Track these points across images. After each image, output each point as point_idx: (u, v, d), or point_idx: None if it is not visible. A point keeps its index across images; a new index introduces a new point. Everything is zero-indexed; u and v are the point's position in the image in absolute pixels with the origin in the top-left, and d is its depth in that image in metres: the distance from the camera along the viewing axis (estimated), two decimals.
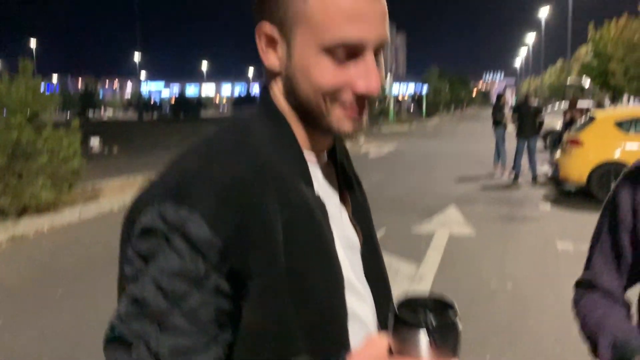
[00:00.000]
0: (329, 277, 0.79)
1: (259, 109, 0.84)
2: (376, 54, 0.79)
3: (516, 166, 11.29)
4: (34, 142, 8.08)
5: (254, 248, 0.72)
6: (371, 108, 0.82)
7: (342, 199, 0.90)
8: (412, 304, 0.67)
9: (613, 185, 1.25)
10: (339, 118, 0.79)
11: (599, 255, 1.21)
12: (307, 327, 0.76)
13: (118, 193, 9.70)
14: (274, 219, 0.73)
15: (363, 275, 0.90)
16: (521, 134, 11.38)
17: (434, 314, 0.65)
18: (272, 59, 0.81)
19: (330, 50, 0.76)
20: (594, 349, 1.11)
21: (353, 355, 0.72)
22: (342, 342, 0.80)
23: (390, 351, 0.66)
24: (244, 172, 0.74)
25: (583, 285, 1.24)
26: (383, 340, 0.68)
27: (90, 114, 69.20)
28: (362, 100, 0.79)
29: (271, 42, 0.80)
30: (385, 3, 0.80)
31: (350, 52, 0.76)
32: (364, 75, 0.77)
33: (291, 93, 0.81)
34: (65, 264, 5.93)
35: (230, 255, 0.70)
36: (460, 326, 0.65)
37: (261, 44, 0.81)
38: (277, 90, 0.83)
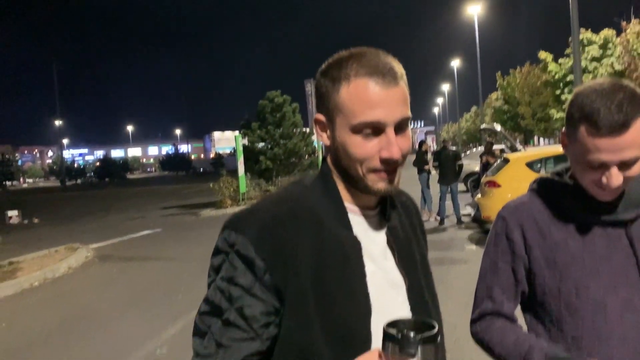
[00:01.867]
0: (354, 304, 0.99)
1: (319, 172, 1.10)
2: (401, 126, 1.00)
3: (441, 210, 11.71)
4: None
5: (286, 268, 0.95)
6: (399, 171, 1.03)
7: (390, 247, 1.09)
8: (399, 324, 0.82)
9: (496, 221, 1.42)
10: (373, 180, 1.01)
11: (498, 287, 1.38)
12: (331, 345, 0.96)
13: (39, 267, 9.15)
14: (302, 249, 0.97)
15: (410, 313, 1.07)
16: (443, 179, 11.91)
17: (415, 331, 0.79)
18: (324, 138, 1.07)
19: (358, 130, 0.98)
20: None
21: None
22: None
23: None
24: (281, 213, 1.00)
25: (488, 316, 1.39)
26: (375, 354, 0.85)
27: (9, 183, 65.55)
28: (388, 165, 1.00)
29: (323, 127, 1.06)
30: (404, 86, 1.01)
31: (375, 130, 0.98)
32: (386, 146, 0.98)
33: (337, 161, 1.06)
34: None
35: (270, 271, 0.95)
36: (439, 342, 0.81)
37: (317, 129, 1.08)
38: (330, 160, 1.09)
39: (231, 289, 0.96)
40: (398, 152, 0.98)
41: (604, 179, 1.19)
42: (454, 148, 12.76)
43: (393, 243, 1.10)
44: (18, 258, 10.03)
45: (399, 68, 1.01)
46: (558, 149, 11.16)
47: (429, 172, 12.64)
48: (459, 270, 7.44)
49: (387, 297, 1.04)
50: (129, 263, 9.85)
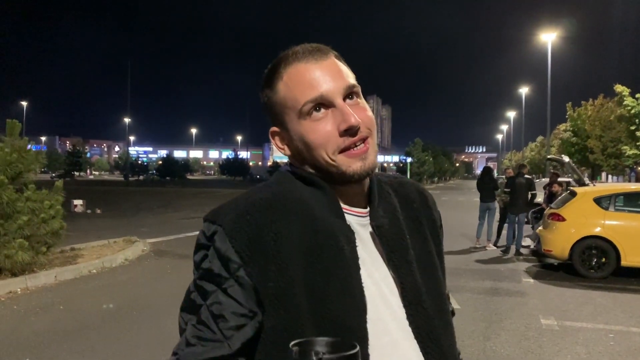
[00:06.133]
0: (349, 299, 0.88)
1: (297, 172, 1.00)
2: (351, 97, 0.95)
3: (507, 239, 11.29)
4: (15, 202, 7.96)
5: (265, 259, 0.86)
6: (371, 145, 0.95)
7: (378, 249, 0.99)
8: (310, 344, 0.69)
9: None
10: (346, 163, 0.93)
11: None
12: None
13: (97, 256, 9.51)
14: (287, 237, 0.87)
15: (405, 320, 0.95)
16: (513, 207, 11.27)
17: (329, 353, 0.67)
18: (286, 150, 1.00)
19: (306, 113, 0.93)
20: None
21: None
22: None
23: None
24: (262, 200, 0.91)
25: None
26: None
27: (76, 174, 68.79)
28: (352, 135, 0.92)
29: (281, 138, 1.01)
30: (337, 60, 0.97)
31: (325, 106, 0.93)
32: (341, 118, 0.92)
33: (305, 163, 0.97)
34: (33, 332, 5.72)
35: (245, 265, 0.86)
36: None
37: (276, 142, 1.02)
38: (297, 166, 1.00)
39: (205, 285, 0.88)
40: (356, 118, 0.92)
41: None
42: (528, 176, 11.76)
43: (379, 243, 0.98)
44: (79, 245, 10.45)
45: (327, 49, 0.98)
46: (629, 186, 10.60)
47: (491, 199, 12.11)
48: (514, 302, 7.16)
49: (378, 303, 0.93)
50: (183, 260, 10.05)
